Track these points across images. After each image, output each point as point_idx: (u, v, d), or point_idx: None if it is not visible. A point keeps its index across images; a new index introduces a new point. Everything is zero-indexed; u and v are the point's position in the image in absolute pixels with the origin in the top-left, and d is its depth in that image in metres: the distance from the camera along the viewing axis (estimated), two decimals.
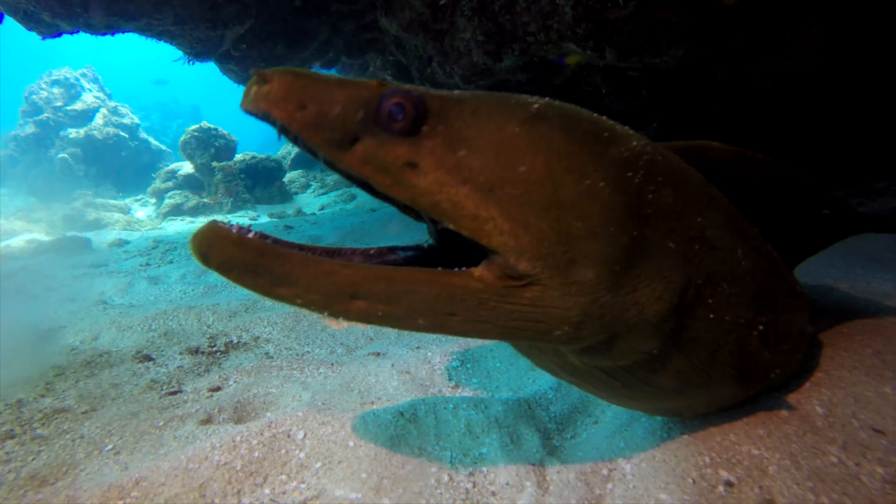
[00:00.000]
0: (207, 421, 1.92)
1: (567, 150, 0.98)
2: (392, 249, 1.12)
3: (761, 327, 1.22)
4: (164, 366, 2.56)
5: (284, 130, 0.95)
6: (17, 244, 7.67)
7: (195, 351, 2.69)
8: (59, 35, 5.19)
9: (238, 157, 12.26)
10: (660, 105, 4.29)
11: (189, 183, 12.37)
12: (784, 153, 4.12)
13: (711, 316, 1.12)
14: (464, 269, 0.94)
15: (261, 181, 12.10)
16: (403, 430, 1.59)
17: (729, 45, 3.55)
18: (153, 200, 12.90)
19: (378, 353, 2.43)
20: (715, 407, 1.35)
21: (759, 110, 4.07)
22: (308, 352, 2.64)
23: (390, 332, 2.81)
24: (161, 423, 1.92)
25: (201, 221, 10.14)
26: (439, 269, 0.94)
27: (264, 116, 0.95)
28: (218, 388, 2.21)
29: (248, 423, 1.70)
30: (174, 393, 2.22)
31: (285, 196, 12.33)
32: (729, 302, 1.15)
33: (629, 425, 1.53)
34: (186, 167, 12.68)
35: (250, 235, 0.91)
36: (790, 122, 4.02)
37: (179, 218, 11.03)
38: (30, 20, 5.02)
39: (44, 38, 5.32)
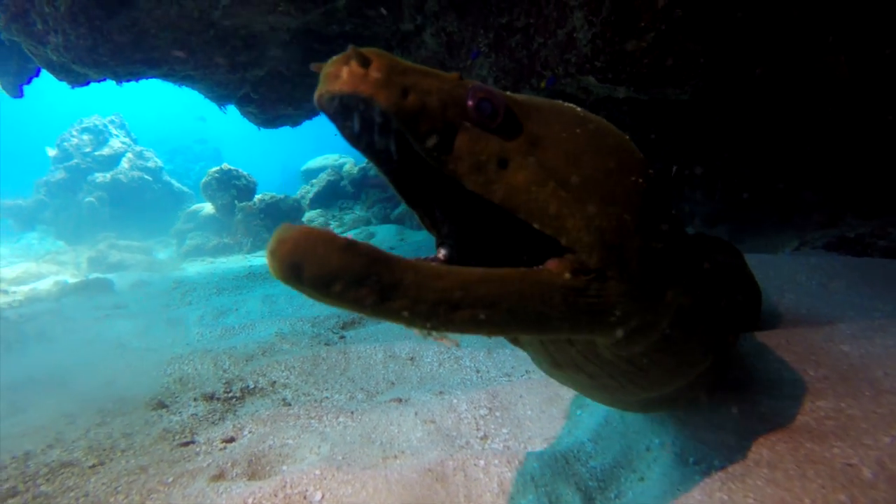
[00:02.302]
0: (219, 477, 1.79)
1: (615, 148, 1.04)
2: (427, 259, 1.00)
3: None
4: (178, 413, 2.46)
5: (366, 123, 0.87)
6: (45, 287, 7.78)
7: (210, 397, 2.59)
8: (87, 83, 5.38)
9: (258, 197, 12.44)
10: (675, 138, 4.21)
11: (210, 223, 12.56)
12: (809, 181, 3.98)
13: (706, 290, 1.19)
14: (537, 266, 0.92)
15: (280, 221, 12.19)
16: (430, 491, 1.45)
17: (749, 75, 3.48)
18: (175, 241, 13.09)
19: (400, 400, 2.30)
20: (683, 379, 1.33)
21: (782, 137, 3.95)
22: (327, 397, 2.51)
23: (412, 376, 2.68)
24: (171, 479, 1.80)
25: (221, 262, 10.25)
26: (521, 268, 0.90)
27: (360, 102, 0.84)
28: (232, 440, 2.09)
29: (261, 482, 1.57)
30: (187, 444, 2.11)
31: None
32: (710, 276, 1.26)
33: (681, 484, 1.37)
34: (207, 208, 12.89)
35: (351, 239, 0.78)
36: (815, 150, 3.89)
37: (200, 259, 11.13)
38: (61, 71, 5.21)
39: (73, 87, 5.52)
